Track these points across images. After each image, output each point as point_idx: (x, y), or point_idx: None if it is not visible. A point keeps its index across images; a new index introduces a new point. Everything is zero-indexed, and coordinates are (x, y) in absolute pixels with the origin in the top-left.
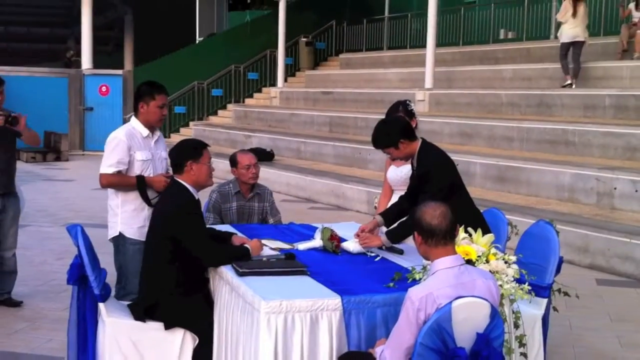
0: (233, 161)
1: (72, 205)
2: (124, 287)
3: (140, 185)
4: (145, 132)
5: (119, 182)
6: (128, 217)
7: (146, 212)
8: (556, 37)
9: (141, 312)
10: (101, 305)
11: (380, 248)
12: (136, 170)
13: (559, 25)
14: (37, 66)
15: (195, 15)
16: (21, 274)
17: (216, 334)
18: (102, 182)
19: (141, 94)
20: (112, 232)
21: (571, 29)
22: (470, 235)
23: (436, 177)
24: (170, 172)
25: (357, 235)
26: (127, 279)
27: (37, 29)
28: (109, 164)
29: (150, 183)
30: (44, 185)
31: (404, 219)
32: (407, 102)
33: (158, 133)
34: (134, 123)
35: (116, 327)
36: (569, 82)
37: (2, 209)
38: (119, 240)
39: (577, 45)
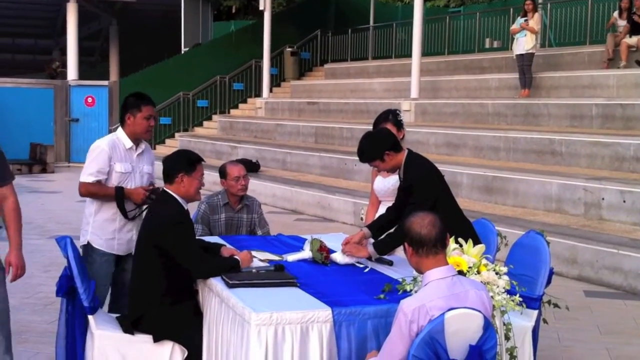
0: (222, 172)
1: (58, 217)
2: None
3: (118, 196)
4: (129, 144)
5: (98, 191)
6: (98, 227)
7: (117, 224)
8: (542, 46)
9: (130, 324)
10: (90, 318)
11: (368, 259)
12: (114, 182)
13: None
14: (23, 77)
15: (181, 26)
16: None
17: (205, 346)
18: (81, 190)
19: (128, 105)
20: (82, 240)
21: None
22: (461, 246)
23: (422, 188)
24: (155, 185)
25: (343, 246)
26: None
27: (22, 40)
28: (88, 173)
29: (129, 195)
30: (30, 197)
31: (391, 230)
32: (397, 111)
33: (143, 146)
34: (119, 134)
35: (105, 340)
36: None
37: None
38: (87, 250)
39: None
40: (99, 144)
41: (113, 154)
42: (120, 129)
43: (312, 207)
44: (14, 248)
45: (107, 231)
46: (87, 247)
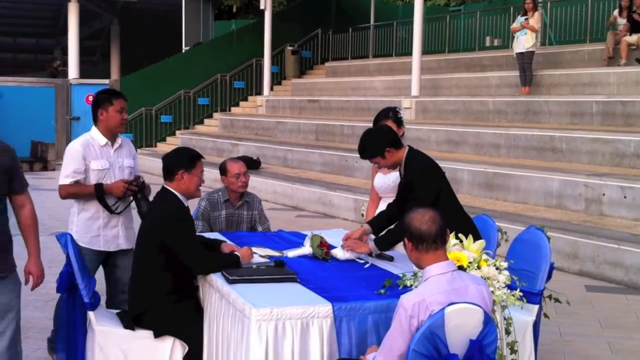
0: (223, 169)
1: (58, 214)
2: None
3: (98, 193)
4: (103, 140)
5: (77, 191)
6: (82, 226)
7: (101, 221)
8: (542, 44)
9: (130, 320)
10: (90, 314)
11: (369, 255)
12: (92, 180)
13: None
14: (24, 76)
15: (181, 25)
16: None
17: (206, 342)
18: (61, 193)
19: (99, 102)
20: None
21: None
22: (461, 241)
23: (423, 185)
24: (137, 176)
25: (344, 242)
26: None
27: (23, 40)
28: (65, 175)
29: (109, 190)
30: (31, 195)
31: (392, 226)
32: (397, 109)
33: (120, 141)
34: (93, 132)
35: (105, 336)
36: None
37: None
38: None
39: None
40: (72, 145)
41: (87, 153)
42: (93, 128)
43: (313, 204)
44: (34, 256)
45: (91, 229)
46: None
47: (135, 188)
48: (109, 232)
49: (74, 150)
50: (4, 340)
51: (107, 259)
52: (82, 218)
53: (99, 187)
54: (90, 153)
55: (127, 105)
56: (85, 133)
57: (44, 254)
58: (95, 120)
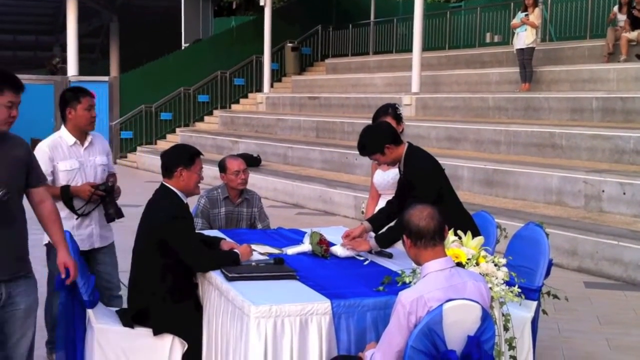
0: (222, 167)
1: None
2: (52, 291)
3: (64, 195)
4: (71, 140)
5: None
6: None
7: (74, 221)
8: (542, 40)
9: (129, 318)
10: (90, 312)
11: (369, 252)
12: (61, 181)
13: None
14: (23, 73)
15: (181, 22)
16: None
17: (205, 340)
18: None
19: (66, 100)
20: (44, 239)
21: None
22: (460, 238)
23: (424, 181)
24: (108, 177)
25: (344, 238)
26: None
27: (22, 37)
28: None
29: (76, 193)
30: None
31: (392, 223)
32: (396, 105)
33: (90, 139)
34: (62, 132)
35: (104, 334)
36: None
37: None
38: (50, 247)
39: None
40: (40, 146)
41: (55, 154)
42: (62, 127)
43: (314, 201)
44: (65, 248)
45: (65, 228)
46: (48, 245)
47: (102, 193)
48: (82, 231)
49: (40, 152)
50: (27, 341)
51: (87, 257)
52: None
53: (65, 189)
54: (58, 154)
55: (95, 102)
56: (55, 132)
57: (42, 252)
58: (64, 119)
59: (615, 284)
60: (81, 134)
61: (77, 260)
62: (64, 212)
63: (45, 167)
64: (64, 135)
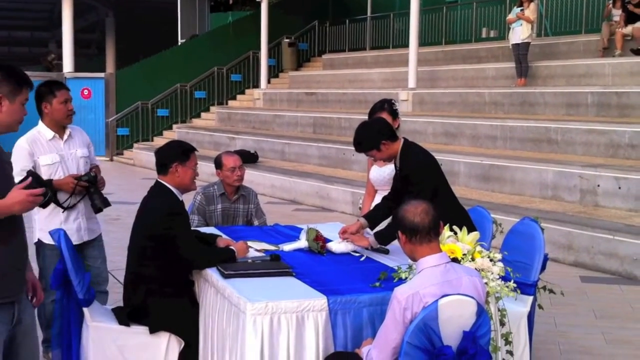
0: (218, 163)
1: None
2: (44, 288)
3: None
4: (50, 134)
5: None
6: (43, 223)
7: (61, 216)
8: (538, 35)
9: (125, 316)
10: (85, 310)
11: (366, 248)
12: (44, 176)
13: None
14: None
15: (177, 17)
16: None
17: (202, 337)
18: None
19: (42, 95)
20: (33, 238)
21: None
22: (455, 233)
23: (420, 177)
24: (91, 169)
25: (342, 235)
26: (47, 280)
27: (18, 33)
28: (14, 173)
29: (59, 186)
30: None
31: (389, 219)
32: (392, 101)
33: (69, 131)
34: (39, 127)
35: (100, 332)
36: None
37: None
38: (38, 245)
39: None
40: (19, 142)
41: (35, 149)
42: (40, 122)
43: (311, 197)
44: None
45: (52, 224)
46: (38, 243)
47: (86, 184)
48: (70, 225)
49: (20, 148)
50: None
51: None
52: (42, 215)
53: (48, 183)
54: (38, 149)
55: (70, 95)
56: (33, 128)
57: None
58: (41, 114)
59: (611, 278)
60: (59, 128)
61: (73, 258)
62: (48, 209)
63: (25, 163)
64: (42, 130)
